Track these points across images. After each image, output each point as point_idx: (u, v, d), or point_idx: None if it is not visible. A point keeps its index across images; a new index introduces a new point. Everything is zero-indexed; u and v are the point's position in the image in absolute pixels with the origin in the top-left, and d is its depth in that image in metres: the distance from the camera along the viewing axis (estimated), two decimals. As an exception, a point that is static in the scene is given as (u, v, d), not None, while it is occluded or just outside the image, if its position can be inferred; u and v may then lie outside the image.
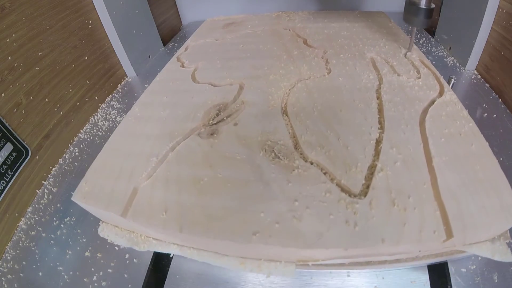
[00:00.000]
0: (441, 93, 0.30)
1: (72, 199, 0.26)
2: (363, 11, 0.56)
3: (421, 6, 0.33)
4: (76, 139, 0.44)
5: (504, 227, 0.21)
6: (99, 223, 0.29)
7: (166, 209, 0.23)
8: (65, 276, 0.28)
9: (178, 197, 0.23)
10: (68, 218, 0.33)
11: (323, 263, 0.24)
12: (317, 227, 0.20)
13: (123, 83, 0.58)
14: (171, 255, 0.28)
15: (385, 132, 0.26)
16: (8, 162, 0.33)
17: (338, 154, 0.25)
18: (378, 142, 0.26)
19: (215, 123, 0.29)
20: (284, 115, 0.30)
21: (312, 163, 0.24)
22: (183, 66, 0.42)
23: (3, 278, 0.28)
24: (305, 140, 0.26)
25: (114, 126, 0.46)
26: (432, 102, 0.29)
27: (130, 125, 0.31)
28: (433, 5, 0.33)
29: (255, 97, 0.32)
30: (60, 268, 0.28)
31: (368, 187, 0.22)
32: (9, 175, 0.33)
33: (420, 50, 0.39)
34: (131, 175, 0.25)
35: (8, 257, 0.30)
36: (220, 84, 0.36)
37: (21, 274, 0.29)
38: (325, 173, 0.24)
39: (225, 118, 0.29)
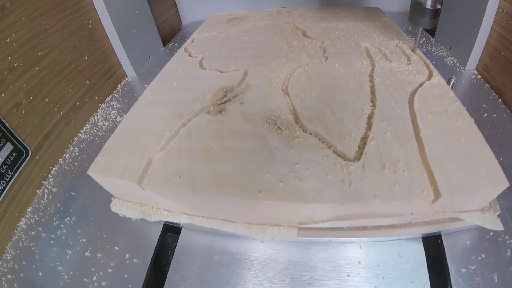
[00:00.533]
0: (429, 78, 0.36)
1: (88, 172, 0.30)
2: (360, 6, 0.63)
3: (426, 7, 0.36)
4: (76, 139, 0.47)
5: (491, 195, 0.25)
6: (112, 199, 0.33)
7: (179, 175, 0.27)
8: (65, 276, 0.30)
9: (190, 165, 0.28)
10: (68, 218, 0.35)
11: (322, 227, 0.29)
12: (316, 185, 0.25)
13: (123, 83, 0.61)
14: (171, 255, 0.31)
15: (376, 108, 0.32)
16: (8, 162, 0.35)
17: (334, 126, 0.30)
18: (370, 117, 0.31)
19: (223, 103, 0.35)
20: (285, 95, 0.35)
21: (311, 134, 0.30)
22: (190, 56, 0.47)
23: (3, 278, 0.30)
24: (304, 115, 0.32)
25: (114, 126, 0.49)
26: (421, 84, 0.35)
27: (142, 108, 0.36)
28: (438, 6, 0.37)
29: (258, 81, 0.38)
30: (60, 268, 0.30)
31: (361, 154, 0.27)
32: (9, 175, 0.35)
33: (420, 50, 0.42)
34: (145, 149, 0.30)
35: (8, 257, 0.32)
36: (226, 71, 0.42)
37: (21, 274, 0.31)
38: (322, 142, 0.29)
39: (231, 98, 0.35)
